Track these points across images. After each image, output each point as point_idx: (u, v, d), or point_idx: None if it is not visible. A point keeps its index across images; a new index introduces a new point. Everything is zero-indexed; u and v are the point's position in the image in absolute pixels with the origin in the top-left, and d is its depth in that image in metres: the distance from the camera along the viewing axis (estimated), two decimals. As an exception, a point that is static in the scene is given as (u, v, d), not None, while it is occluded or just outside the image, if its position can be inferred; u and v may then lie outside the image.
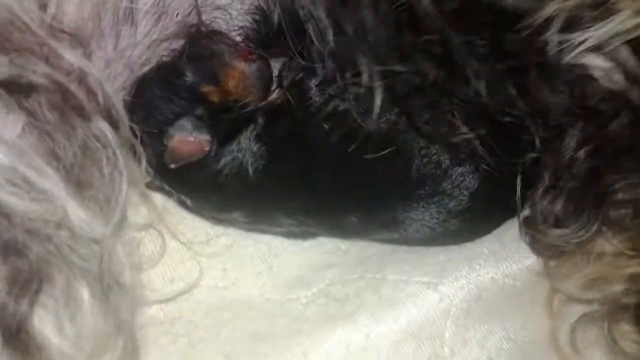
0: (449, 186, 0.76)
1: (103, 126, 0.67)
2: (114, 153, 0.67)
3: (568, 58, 0.61)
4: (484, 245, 0.81)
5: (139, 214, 0.78)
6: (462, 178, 0.76)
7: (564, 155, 0.71)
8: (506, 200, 0.78)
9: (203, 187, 0.79)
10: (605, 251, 0.76)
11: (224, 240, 0.83)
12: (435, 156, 0.75)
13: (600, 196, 0.71)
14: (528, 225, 0.79)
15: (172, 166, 0.75)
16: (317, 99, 0.77)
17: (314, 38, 0.73)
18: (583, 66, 0.62)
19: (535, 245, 0.80)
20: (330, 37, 0.70)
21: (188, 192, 0.80)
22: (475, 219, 0.79)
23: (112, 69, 0.73)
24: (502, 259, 0.82)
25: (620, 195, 0.70)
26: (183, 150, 0.74)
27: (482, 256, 0.81)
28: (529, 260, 0.82)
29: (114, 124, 0.69)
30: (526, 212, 0.78)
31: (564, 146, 0.71)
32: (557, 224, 0.74)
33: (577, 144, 0.70)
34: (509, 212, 0.81)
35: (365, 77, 0.70)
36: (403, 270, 0.81)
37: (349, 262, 0.82)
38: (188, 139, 0.74)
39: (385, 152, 0.73)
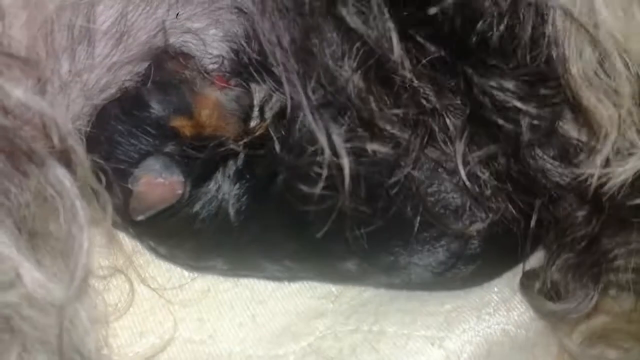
0: (459, 228, 0.67)
1: (59, 172, 0.57)
2: (72, 204, 0.57)
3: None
4: (493, 290, 0.74)
5: (103, 255, 0.71)
6: (473, 219, 0.67)
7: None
8: (521, 242, 0.69)
9: (176, 234, 0.70)
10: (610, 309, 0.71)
11: (200, 284, 0.75)
12: (444, 194, 0.67)
13: (598, 263, 0.66)
14: (527, 287, 0.72)
15: (140, 218, 0.65)
16: (303, 135, 0.67)
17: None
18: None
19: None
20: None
21: (159, 240, 0.71)
22: (486, 263, 0.70)
23: (66, 94, 0.63)
24: (513, 307, 0.74)
25: (620, 262, 0.66)
26: (151, 196, 0.64)
27: (491, 304, 0.74)
28: None
29: (72, 164, 0.59)
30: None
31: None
32: (557, 293, 0.69)
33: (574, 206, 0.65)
34: (523, 256, 0.72)
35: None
36: (403, 321, 0.73)
37: (342, 309, 0.74)
38: (157, 181, 0.64)
39: (384, 192, 0.66)
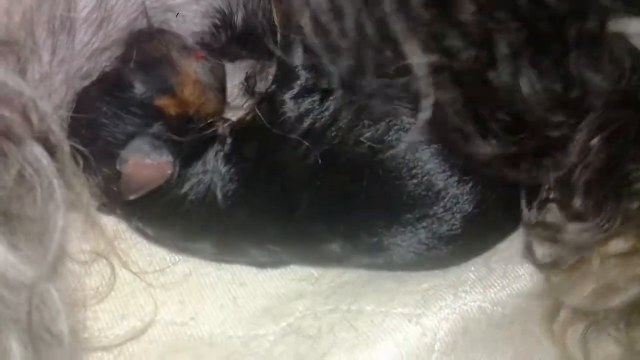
0: (441, 210, 0.67)
1: (37, 151, 0.57)
2: (50, 183, 0.58)
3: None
4: (470, 269, 0.74)
5: (84, 239, 0.70)
6: (455, 201, 0.67)
7: (576, 148, 0.64)
8: (501, 221, 0.72)
9: (165, 215, 0.69)
10: (617, 252, 0.69)
11: (182, 268, 0.75)
12: (426, 177, 0.67)
13: (618, 187, 0.65)
14: (537, 228, 0.71)
15: (131, 197, 0.64)
16: (292, 114, 0.68)
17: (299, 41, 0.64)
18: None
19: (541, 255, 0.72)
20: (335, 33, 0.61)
21: (147, 221, 0.70)
22: (467, 244, 0.71)
23: (48, 83, 0.63)
24: (489, 285, 0.74)
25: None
26: (141, 176, 0.64)
27: (467, 282, 0.74)
28: (518, 283, 0.75)
29: (52, 148, 0.59)
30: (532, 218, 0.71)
31: (575, 139, 0.64)
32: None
33: (590, 132, 0.64)
34: (502, 235, 0.74)
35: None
36: (381, 300, 0.73)
37: (321, 290, 0.74)
38: (145, 162, 0.64)
39: (370, 173, 0.67)
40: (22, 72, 0.62)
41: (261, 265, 0.75)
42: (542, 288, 0.73)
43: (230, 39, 0.71)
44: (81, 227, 0.69)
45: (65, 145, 0.60)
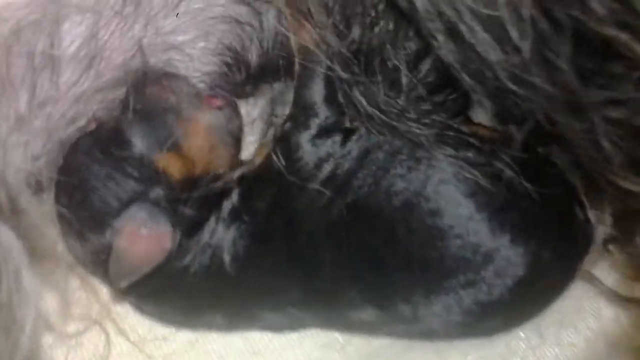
0: (490, 274, 0.58)
1: (3, 234, 0.50)
2: (18, 270, 0.49)
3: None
4: (520, 337, 0.66)
5: (77, 303, 0.63)
6: (506, 263, 0.57)
7: None
8: (557, 280, 0.62)
9: (164, 291, 0.60)
10: None
11: (186, 335, 0.66)
12: (473, 236, 0.57)
13: None
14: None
15: (122, 284, 0.55)
16: (309, 159, 0.59)
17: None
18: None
19: None
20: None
21: (143, 298, 0.62)
22: (519, 310, 0.62)
23: (25, 129, 0.54)
24: (542, 356, 0.66)
25: None
26: (135, 253, 0.55)
27: (518, 353, 0.65)
28: (574, 350, 0.66)
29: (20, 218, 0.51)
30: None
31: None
32: None
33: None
34: (558, 295, 0.64)
35: None
36: None
37: None
38: (141, 233, 0.55)
39: (406, 231, 0.57)
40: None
41: (278, 329, 0.66)
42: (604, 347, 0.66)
43: (246, 79, 0.63)
44: (70, 288, 0.62)
45: (34, 212, 0.51)
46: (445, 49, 0.52)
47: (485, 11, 0.48)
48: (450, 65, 0.53)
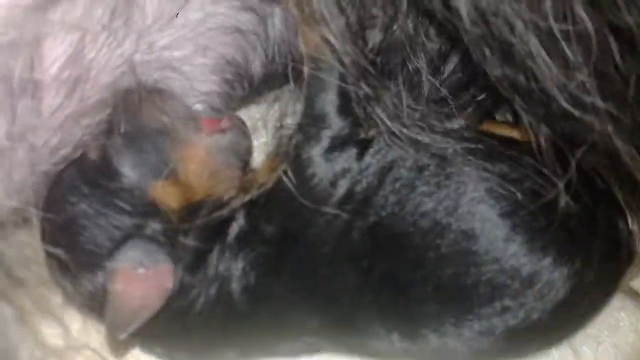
0: (530, 299, 0.53)
1: None
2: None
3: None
4: (553, 357, 0.61)
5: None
6: (549, 287, 0.53)
7: None
8: (597, 298, 0.58)
9: (170, 333, 0.56)
10: None
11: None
12: (511, 261, 0.52)
13: None
14: None
15: (122, 336, 0.50)
16: (323, 175, 0.54)
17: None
18: None
19: None
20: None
21: (149, 341, 0.57)
22: (557, 331, 0.58)
23: (4, 161, 0.49)
24: None
25: None
26: (133, 297, 0.50)
27: None
28: None
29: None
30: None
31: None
32: None
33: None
34: (597, 313, 0.60)
35: None
36: None
37: None
38: (137, 273, 0.50)
39: (435, 255, 0.53)
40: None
41: (292, 356, 0.61)
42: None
43: (249, 95, 0.59)
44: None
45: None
46: (493, 64, 0.47)
47: (543, 23, 0.44)
48: (498, 84, 0.49)
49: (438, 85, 0.57)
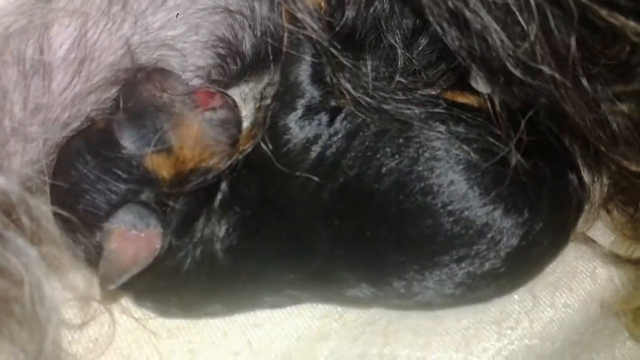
0: (484, 248, 0.56)
1: (20, 244, 0.49)
2: (39, 281, 0.49)
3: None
4: (514, 300, 0.64)
5: (79, 283, 0.61)
6: (500, 236, 0.56)
7: None
8: (550, 246, 0.61)
9: (158, 290, 0.58)
10: None
11: (189, 312, 0.63)
12: (466, 212, 0.55)
13: None
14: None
15: (111, 287, 0.53)
16: (297, 141, 0.57)
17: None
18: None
19: None
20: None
21: (140, 297, 0.60)
22: (512, 279, 0.60)
23: (21, 136, 0.53)
24: (536, 318, 0.64)
25: None
26: (124, 255, 0.53)
27: (512, 316, 0.64)
28: (568, 313, 0.65)
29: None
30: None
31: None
32: None
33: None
34: (551, 260, 0.64)
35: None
36: (417, 342, 0.63)
37: (347, 329, 0.64)
38: (130, 234, 0.53)
39: (398, 210, 0.56)
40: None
41: (277, 307, 0.64)
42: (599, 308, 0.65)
43: (241, 69, 0.61)
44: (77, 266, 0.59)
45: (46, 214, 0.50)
46: (451, 36, 0.50)
47: None
48: (457, 54, 0.51)
49: (412, 59, 0.59)
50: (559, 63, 0.49)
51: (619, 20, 0.47)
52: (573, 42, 0.48)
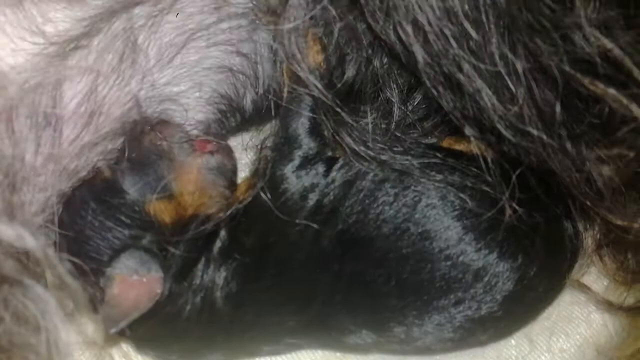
0: (480, 291, 0.56)
1: (39, 291, 0.48)
2: (55, 326, 0.48)
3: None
4: (511, 344, 0.64)
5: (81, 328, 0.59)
6: (495, 280, 0.56)
7: None
8: (546, 292, 0.61)
9: (159, 337, 0.57)
10: None
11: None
12: (462, 257, 0.55)
13: None
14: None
15: (113, 330, 0.52)
16: (294, 190, 0.57)
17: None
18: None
19: None
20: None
21: (141, 344, 0.58)
22: (509, 323, 0.59)
23: (30, 187, 0.53)
24: None
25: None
26: (126, 299, 0.52)
27: None
28: (564, 356, 0.65)
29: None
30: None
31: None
32: None
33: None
34: (547, 305, 0.63)
35: None
36: None
37: None
38: (132, 279, 0.53)
39: (396, 257, 0.56)
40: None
41: (276, 355, 0.63)
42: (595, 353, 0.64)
43: (241, 124, 0.62)
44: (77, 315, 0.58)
45: (56, 268, 0.50)
46: (445, 98, 0.51)
47: (483, 66, 0.47)
48: (451, 114, 0.52)
49: (407, 113, 0.60)
50: (545, 125, 0.49)
51: (599, 88, 0.47)
52: (558, 107, 0.49)
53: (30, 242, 0.47)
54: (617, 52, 0.45)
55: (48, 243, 0.52)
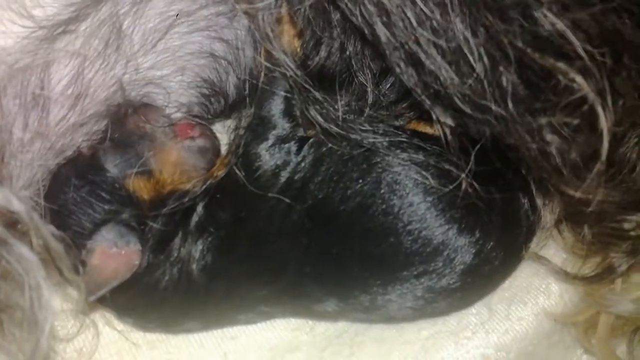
0: (440, 264, 0.57)
1: (23, 251, 0.49)
2: (38, 284, 0.49)
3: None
4: (471, 312, 0.65)
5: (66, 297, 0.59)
6: (454, 254, 0.57)
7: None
8: (503, 265, 0.61)
9: (138, 306, 0.58)
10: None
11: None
12: (424, 232, 0.56)
13: None
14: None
15: (92, 298, 0.53)
16: (267, 167, 0.58)
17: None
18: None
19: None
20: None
21: (121, 312, 0.59)
22: (468, 294, 0.60)
23: (17, 162, 0.54)
24: (492, 329, 0.64)
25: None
26: (105, 270, 0.53)
27: (469, 327, 0.65)
28: (522, 325, 0.66)
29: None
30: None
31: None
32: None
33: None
34: (504, 278, 0.64)
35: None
36: (380, 352, 0.64)
37: (316, 341, 0.65)
38: (111, 251, 0.54)
39: (362, 230, 0.56)
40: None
41: (251, 322, 0.64)
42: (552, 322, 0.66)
43: (225, 108, 0.62)
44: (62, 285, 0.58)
45: (43, 235, 0.51)
46: (407, 75, 0.51)
47: (443, 43, 0.48)
48: (413, 90, 0.52)
49: (380, 96, 0.60)
50: (502, 99, 0.50)
51: (548, 62, 0.49)
52: (513, 79, 0.49)
53: (16, 204, 0.47)
54: (560, 26, 0.46)
55: (34, 207, 0.53)
